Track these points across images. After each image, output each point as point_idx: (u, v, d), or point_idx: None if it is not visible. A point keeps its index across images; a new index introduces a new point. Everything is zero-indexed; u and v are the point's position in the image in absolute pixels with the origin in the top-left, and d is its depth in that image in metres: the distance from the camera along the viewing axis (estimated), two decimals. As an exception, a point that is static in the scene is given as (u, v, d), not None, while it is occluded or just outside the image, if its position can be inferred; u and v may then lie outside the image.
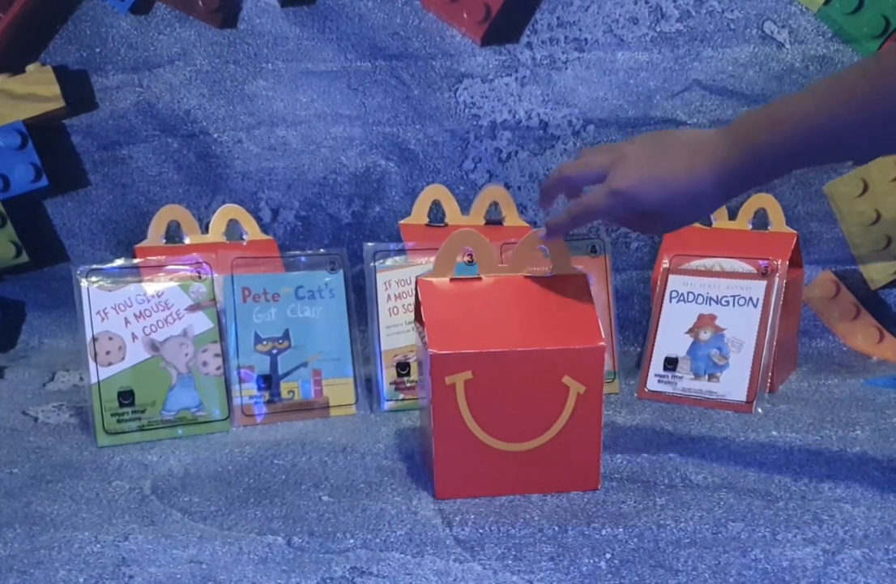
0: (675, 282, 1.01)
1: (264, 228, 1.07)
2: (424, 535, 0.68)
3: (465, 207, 1.03)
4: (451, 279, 0.77)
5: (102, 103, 1.18)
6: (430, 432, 0.73)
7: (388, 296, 0.98)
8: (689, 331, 0.99)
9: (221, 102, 1.17)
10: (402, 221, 1.02)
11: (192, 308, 0.93)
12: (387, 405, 0.98)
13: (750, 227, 1.02)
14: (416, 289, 0.78)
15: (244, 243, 0.98)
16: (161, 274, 0.93)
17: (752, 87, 1.13)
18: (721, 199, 0.69)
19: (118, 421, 0.89)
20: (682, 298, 1.01)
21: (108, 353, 0.90)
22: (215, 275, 0.94)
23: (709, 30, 1.13)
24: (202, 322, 0.93)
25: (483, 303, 0.76)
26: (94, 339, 0.89)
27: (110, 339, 0.90)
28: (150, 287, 0.92)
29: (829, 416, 0.92)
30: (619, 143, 0.74)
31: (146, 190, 1.20)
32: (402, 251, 1.00)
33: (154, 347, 0.91)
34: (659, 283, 1.03)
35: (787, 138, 0.63)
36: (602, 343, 0.74)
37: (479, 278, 0.78)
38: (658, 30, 1.13)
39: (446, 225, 1.02)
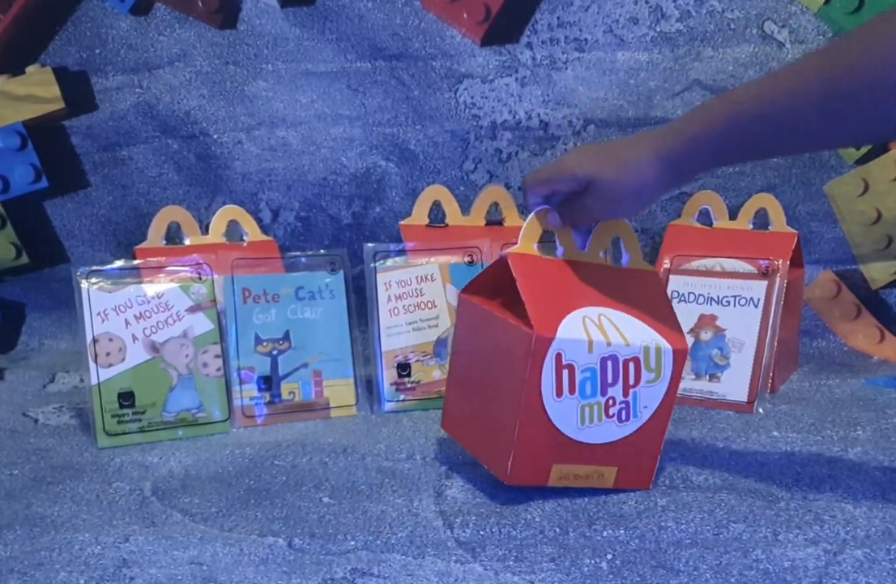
0: (676, 282, 1.01)
1: (264, 229, 1.07)
2: (425, 536, 0.67)
3: (465, 207, 1.03)
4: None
5: (102, 104, 1.18)
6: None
7: (389, 297, 0.98)
8: (690, 331, 0.99)
9: (221, 102, 1.17)
10: (402, 222, 1.02)
11: (193, 309, 0.93)
12: (387, 406, 0.98)
13: (750, 227, 1.02)
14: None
15: (244, 244, 0.98)
16: (161, 275, 0.93)
17: (753, 87, 1.13)
18: (666, 182, 0.70)
19: (118, 422, 0.89)
20: (682, 298, 1.00)
21: (108, 354, 0.89)
22: (215, 276, 0.94)
23: (709, 30, 1.13)
24: (202, 323, 0.93)
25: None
26: (95, 340, 0.89)
27: (110, 340, 0.90)
28: (151, 288, 0.92)
29: (830, 416, 0.91)
30: None
31: (146, 191, 1.20)
32: (402, 252, 1.00)
33: (154, 348, 0.91)
34: (659, 283, 1.02)
35: (733, 127, 0.64)
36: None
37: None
38: (658, 30, 1.13)
39: (446, 226, 1.02)
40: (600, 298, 0.75)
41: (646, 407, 0.74)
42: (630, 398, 0.73)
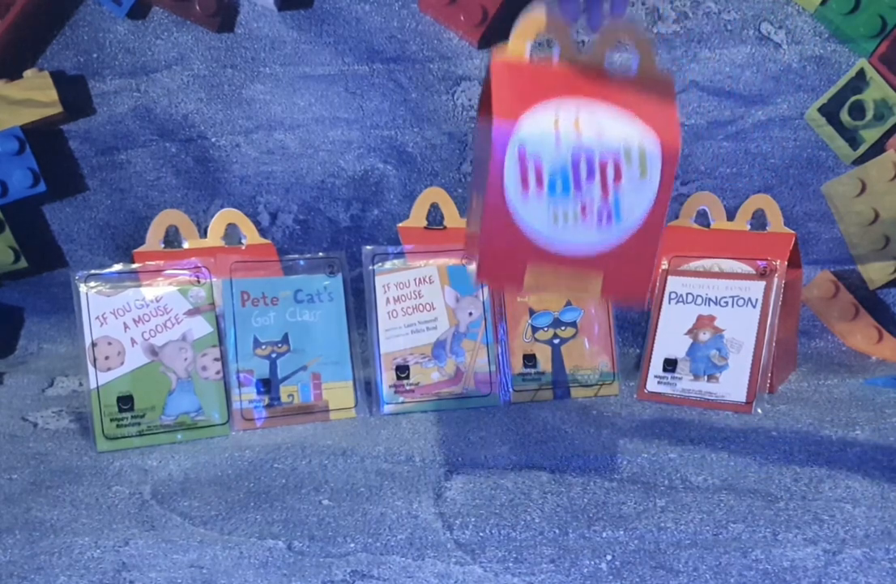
0: (674, 283, 1.01)
1: (263, 232, 1.07)
2: (425, 538, 0.67)
3: (463, 209, 1.03)
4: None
5: (100, 108, 1.18)
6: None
7: (387, 299, 0.98)
8: (689, 332, 0.99)
9: (219, 106, 1.18)
10: (400, 224, 1.02)
11: (191, 312, 0.93)
12: (386, 409, 0.98)
13: (748, 227, 1.02)
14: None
15: (243, 247, 0.98)
16: (160, 279, 0.93)
17: (750, 88, 1.13)
18: None
19: (118, 426, 0.89)
20: (681, 299, 1.01)
21: (107, 358, 0.90)
22: (214, 279, 0.94)
23: (706, 31, 1.13)
24: (201, 326, 0.93)
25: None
26: (94, 344, 0.89)
27: (109, 344, 0.90)
28: (149, 292, 0.92)
29: (828, 416, 0.92)
30: None
31: (144, 195, 1.20)
32: (400, 254, 1.00)
33: (153, 351, 0.91)
34: (658, 284, 1.03)
35: None
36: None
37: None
38: (655, 31, 1.13)
39: (445, 228, 1.02)
40: (587, 90, 0.68)
41: (631, 210, 0.67)
42: (611, 199, 0.67)
